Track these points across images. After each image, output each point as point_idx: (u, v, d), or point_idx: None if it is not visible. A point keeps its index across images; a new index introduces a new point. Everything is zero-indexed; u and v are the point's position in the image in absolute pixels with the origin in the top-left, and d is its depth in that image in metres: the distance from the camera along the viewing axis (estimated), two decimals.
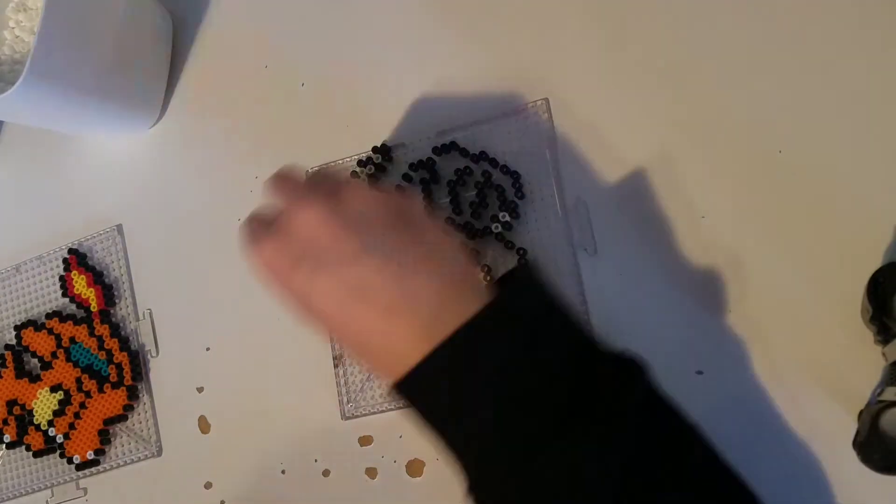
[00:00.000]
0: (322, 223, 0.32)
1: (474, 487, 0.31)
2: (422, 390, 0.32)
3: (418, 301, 0.31)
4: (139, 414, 0.50)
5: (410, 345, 0.31)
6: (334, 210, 0.32)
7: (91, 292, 0.52)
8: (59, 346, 0.51)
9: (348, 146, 0.47)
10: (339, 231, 0.32)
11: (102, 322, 0.51)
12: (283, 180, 0.36)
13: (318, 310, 0.33)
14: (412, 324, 0.31)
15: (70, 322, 0.52)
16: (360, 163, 0.46)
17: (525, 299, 0.32)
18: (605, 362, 0.32)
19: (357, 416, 0.45)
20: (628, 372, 0.31)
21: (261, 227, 0.34)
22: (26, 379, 0.52)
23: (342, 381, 0.45)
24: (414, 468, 0.44)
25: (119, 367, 0.50)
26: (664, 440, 0.31)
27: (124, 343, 0.51)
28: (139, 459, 0.50)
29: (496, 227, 0.43)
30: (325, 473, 0.45)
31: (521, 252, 0.42)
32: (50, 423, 0.51)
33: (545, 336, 0.32)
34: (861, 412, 0.34)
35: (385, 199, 0.33)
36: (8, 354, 0.53)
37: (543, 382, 0.30)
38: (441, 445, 0.33)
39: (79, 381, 0.51)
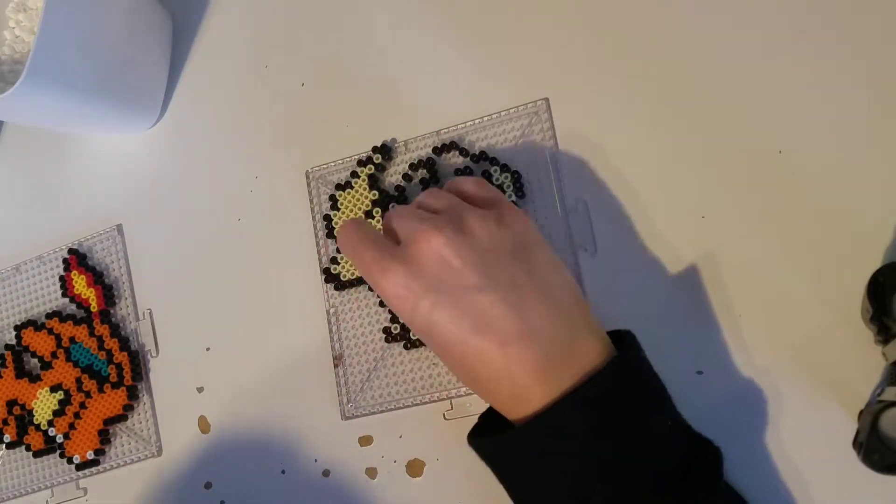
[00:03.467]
0: (450, 255, 0.33)
1: None
2: (545, 435, 0.32)
3: (536, 334, 0.32)
4: (139, 414, 0.50)
5: (527, 379, 0.32)
6: (461, 242, 0.33)
7: (91, 292, 0.52)
8: (59, 346, 0.52)
9: (348, 146, 0.47)
10: (464, 263, 0.33)
11: (102, 322, 0.51)
12: (405, 209, 0.37)
13: (438, 338, 0.34)
14: (531, 357, 0.32)
15: (70, 322, 0.52)
16: (360, 162, 0.46)
17: (641, 363, 0.34)
18: (698, 440, 0.34)
19: (357, 416, 0.45)
20: (715, 455, 0.33)
21: (385, 251, 0.35)
22: (26, 379, 0.52)
23: (342, 381, 0.45)
24: (414, 468, 0.44)
25: (119, 367, 0.50)
26: None
27: (124, 343, 0.51)
28: (139, 459, 0.50)
29: None
30: (325, 473, 0.45)
31: None
32: (50, 423, 0.51)
33: (659, 403, 0.33)
34: (861, 412, 0.34)
35: (504, 229, 0.35)
36: (8, 354, 0.53)
37: (658, 448, 0.32)
38: (539, 484, 0.33)
39: (79, 381, 0.51)
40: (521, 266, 0.34)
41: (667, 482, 0.31)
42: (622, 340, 0.35)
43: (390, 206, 0.45)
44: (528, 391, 0.32)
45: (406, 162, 0.46)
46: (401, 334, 0.44)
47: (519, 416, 0.33)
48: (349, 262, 0.46)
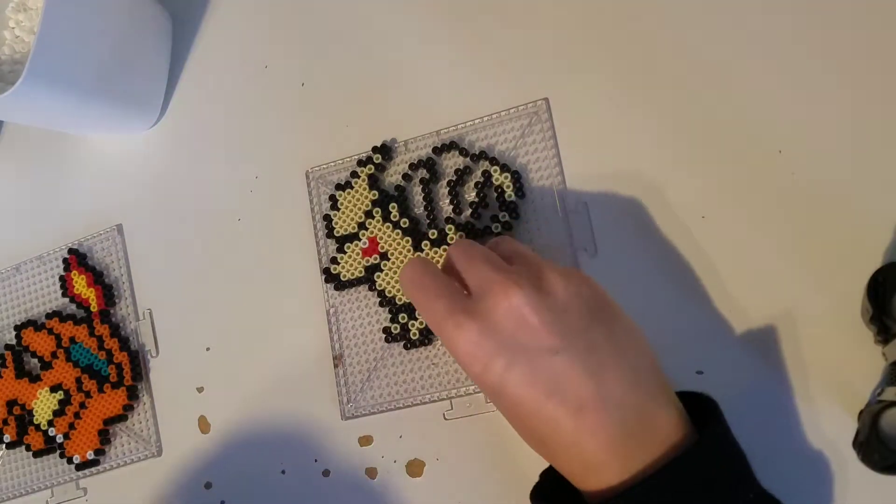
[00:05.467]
0: (529, 313, 0.31)
1: None
2: None
3: (612, 402, 0.30)
4: (139, 414, 0.50)
5: (600, 449, 0.30)
6: (540, 301, 0.31)
7: (91, 292, 0.52)
8: (59, 346, 0.51)
9: (348, 146, 0.47)
10: (542, 324, 0.31)
11: (102, 322, 0.51)
12: (475, 251, 0.35)
13: (508, 400, 0.32)
14: (604, 426, 0.30)
15: (70, 322, 0.52)
16: (360, 162, 0.46)
17: (725, 440, 0.32)
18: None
19: (357, 416, 0.45)
20: None
21: (457, 303, 0.33)
22: (26, 379, 0.52)
23: (342, 381, 0.45)
24: (414, 468, 0.44)
25: (119, 367, 0.50)
26: None
27: (124, 343, 0.51)
28: (139, 459, 0.50)
29: (496, 227, 0.43)
30: (325, 473, 0.45)
31: None
32: (50, 423, 0.51)
33: (742, 478, 0.31)
34: (861, 412, 0.34)
35: (581, 290, 0.33)
36: (8, 354, 0.53)
37: None
38: None
39: (79, 381, 0.51)
40: (599, 329, 0.32)
41: None
42: (702, 408, 0.33)
43: (394, 211, 0.45)
44: (600, 463, 0.30)
45: (406, 162, 0.46)
46: (401, 334, 0.44)
47: (590, 488, 0.31)
48: (350, 263, 0.46)
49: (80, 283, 0.52)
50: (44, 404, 0.51)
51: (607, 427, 0.30)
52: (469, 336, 0.32)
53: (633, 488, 0.30)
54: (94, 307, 0.51)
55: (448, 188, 0.44)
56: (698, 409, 0.33)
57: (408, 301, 0.44)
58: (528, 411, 0.31)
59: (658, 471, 0.30)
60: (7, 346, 0.53)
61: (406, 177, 0.45)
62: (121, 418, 0.50)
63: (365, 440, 0.45)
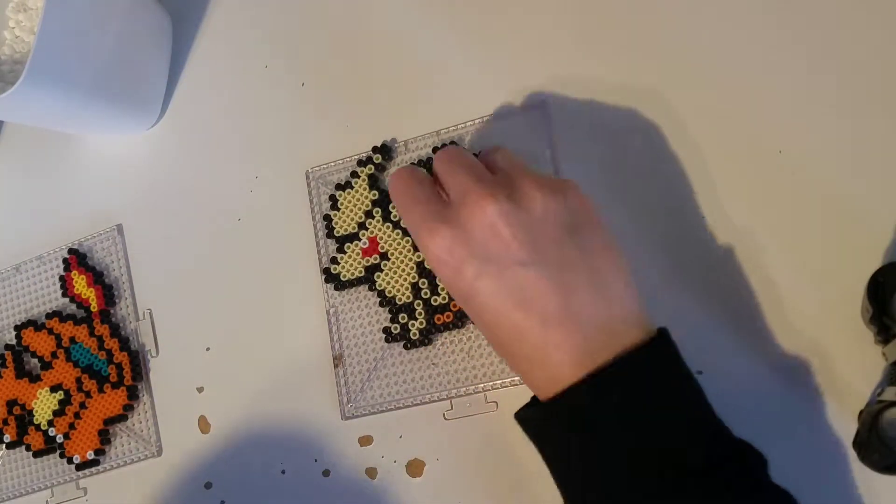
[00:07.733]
0: (501, 225, 0.32)
1: None
2: (567, 412, 0.31)
3: (579, 319, 0.31)
4: (139, 414, 0.50)
5: (565, 362, 0.31)
6: (514, 212, 0.32)
7: (91, 292, 0.52)
8: (59, 346, 0.51)
9: (348, 146, 0.47)
10: (514, 235, 0.32)
11: (102, 322, 0.51)
12: (460, 159, 0.35)
13: (477, 307, 0.33)
14: (570, 340, 0.31)
15: (70, 322, 0.52)
16: (360, 163, 0.46)
17: (675, 357, 0.33)
18: (733, 440, 0.32)
19: (357, 416, 0.45)
20: (755, 456, 0.32)
21: (434, 210, 0.34)
22: (26, 379, 0.52)
23: (342, 381, 0.45)
24: (414, 468, 0.44)
25: (119, 367, 0.50)
26: None
27: (124, 343, 0.51)
28: (139, 459, 0.50)
29: None
30: (325, 473, 0.45)
31: None
32: (50, 423, 0.51)
33: (693, 398, 0.32)
34: (861, 412, 0.34)
35: (560, 204, 0.33)
36: (8, 354, 0.53)
37: (684, 440, 0.31)
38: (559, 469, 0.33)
39: (79, 381, 0.51)
40: (573, 245, 0.32)
41: (696, 471, 0.30)
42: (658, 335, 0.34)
43: (395, 211, 0.45)
44: (562, 374, 0.31)
45: (406, 162, 0.46)
46: (401, 334, 0.44)
47: (549, 397, 0.32)
48: (350, 263, 0.46)
49: (80, 283, 0.52)
50: (44, 404, 0.51)
51: (571, 342, 0.31)
52: (442, 242, 0.33)
53: (575, 386, 0.31)
54: (94, 307, 0.51)
55: None
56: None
57: (408, 301, 0.44)
58: (495, 320, 0.32)
59: (598, 370, 0.30)
60: (7, 346, 0.53)
61: None
62: (121, 418, 0.50)
63: (365, 440, 0.45)
